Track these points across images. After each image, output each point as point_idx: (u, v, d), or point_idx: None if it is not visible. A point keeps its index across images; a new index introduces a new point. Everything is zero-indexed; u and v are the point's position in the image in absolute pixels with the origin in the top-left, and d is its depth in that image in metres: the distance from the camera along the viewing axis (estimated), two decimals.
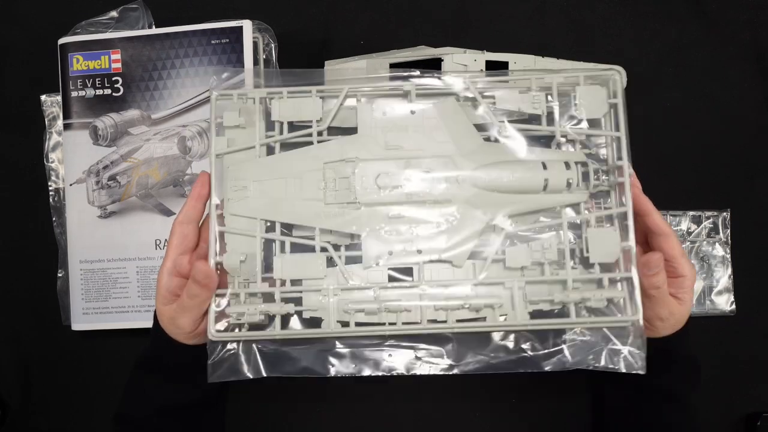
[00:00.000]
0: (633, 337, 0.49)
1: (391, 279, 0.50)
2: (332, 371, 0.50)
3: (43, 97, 0.70)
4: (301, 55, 0.69)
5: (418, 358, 0.50)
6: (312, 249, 0.50)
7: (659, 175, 0.69)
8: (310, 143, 0.52)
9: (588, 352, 0.49)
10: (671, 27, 0.70)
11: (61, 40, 0.66)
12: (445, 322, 0.49)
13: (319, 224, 0.50)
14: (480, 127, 0.52)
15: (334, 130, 0.53)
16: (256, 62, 0.65)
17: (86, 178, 0.65)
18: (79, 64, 0.66)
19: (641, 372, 0.49)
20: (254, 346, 0.50)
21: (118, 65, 0.66)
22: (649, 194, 0.67)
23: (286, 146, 0.52)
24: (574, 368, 0.49)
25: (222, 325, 0.50)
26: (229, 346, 0.50)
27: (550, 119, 0.52)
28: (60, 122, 0.68)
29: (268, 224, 0.51)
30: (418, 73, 0.52)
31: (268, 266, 0.50)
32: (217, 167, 0.51)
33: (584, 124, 0.52)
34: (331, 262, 0.50)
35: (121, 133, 0.66)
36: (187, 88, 0.65)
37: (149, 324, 0.61)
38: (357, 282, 0.50)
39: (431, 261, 0.50)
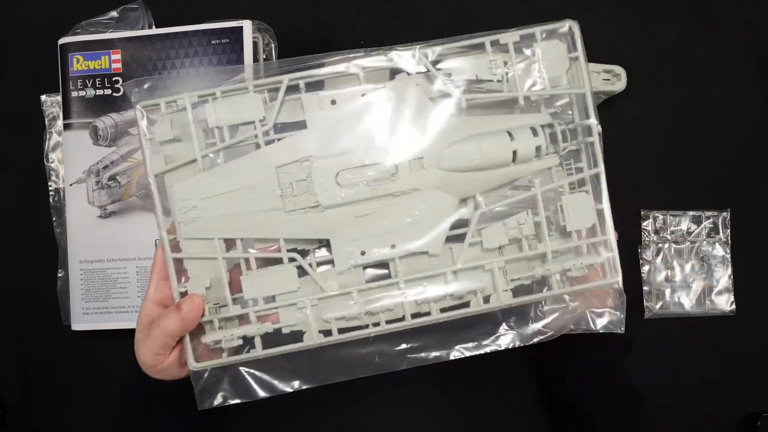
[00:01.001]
0: (612, 299, 0.48)
1: (368, 278, 0.48)
2: (324, 380, 0.48)
3: (43, 97, 0.69)
4: (299, 54, 0.67)
5: (405, 352, 0.49)
6: (279, 261, 0.47)
7: (659, 175, 0.69)
8: (257, 146, 0.47)
9: (569, 318, 0.49)
10: (671, 27, 0.70)
11: (61, 40, 0.66)
12: (428, 314, 0.47)
13: (282, 234, 0.47)
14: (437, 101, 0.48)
15: (282, 127, 0.48)
16: (256, 61, 0.64)
17: (86, 178, 0.65)
18: (79, 64, 0.66)
19: (620, 332, 0.48)
20: (241, 368, 0.48)
21: (119, 65, 0.66)
22: (648, 194, 0.68)
23: (231, 154, 0.47)
24: (559, 334, 0.49)
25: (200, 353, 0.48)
26: (212, 372, 0.48)
27: (511, 85, 0.48)
28: (60, 122, 0.68)
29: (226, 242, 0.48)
30: (362, 53, 0.47)
31: (235, 286, 0.47)
32: (159, 188, 0.47)
33: (546, 84, 0.49)
34: (302, 270, 0.48)
35: (122, 133, 0.65)
36: None
37: None
38: (333, 288, 0.47)
39: (407, 255, 0.48)
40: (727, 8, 0.70)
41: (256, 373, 0.48)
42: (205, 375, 0.47)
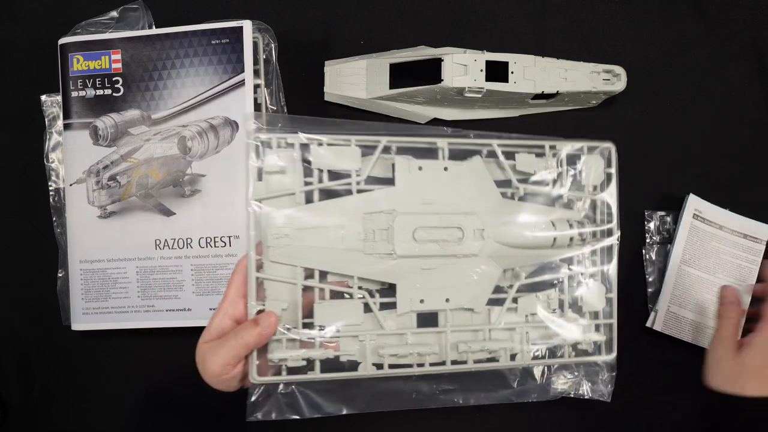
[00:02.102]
0: (606, 372, 0.57)
1: (420, 323, 0.54)
2: (366, 408, 0.52)
3: (43, 97, 0.69)
4: (301, 56, 0.68)
5: (438, 393, 0.55)
6: (349, 296, 0.52)
7: (659, 174, 0.69)
8: (349, 191, 0.52)
9: (571, 383, 0.58)
10: (671, 27, 0.70)
11: (61, 40, 0.66)
12: (465, 362, 0.54)
13: (357, 273, 0.52)
14: (498, 183, 0.56)
15: (371, 180, 0.54)
16: (256, 62, 0.65)
17: (86, 178, 0.65)
18: (79, 64, 0.66)
19: (606, 400, 0.57)
20: (294, 388, 0.51)
21: (119, 65, 0.65)
22: (648, 193, 0.68)
23: (324, 192, 0.52)
24: (559, 397, 0.57)
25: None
26: (266, 388, 0.51)
27: (559, 182, 0.57)
28: (60, 122, 0.67)
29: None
30: (449, 131, 0.55)
31: (307, 312, 0.52)
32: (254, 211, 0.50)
33: (586, 187, 0.57)
34: (366, 307, 0.52)
35: (122, 133, 0.65)
36: (187, 88, 0.65)
37: (149, 324, 0.64)
38: (392, 327, 0.53)
39: (456, 309, 0.54)
40: (727, 8, 0.70)
41: (308, 393, 0.51)
42: (261, 389, 0.50)
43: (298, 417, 0.51)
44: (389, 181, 0.53)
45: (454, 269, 0.54)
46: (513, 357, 0.55)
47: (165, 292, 0.64)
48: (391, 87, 0.64)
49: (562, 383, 0.57)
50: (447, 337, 0.53)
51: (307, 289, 0.51)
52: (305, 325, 0.51)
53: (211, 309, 0.64)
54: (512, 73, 0.63)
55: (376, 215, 0.52)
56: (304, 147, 0.52)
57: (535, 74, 0.63)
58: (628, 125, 0.69)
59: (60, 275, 0.68)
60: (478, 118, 0.68)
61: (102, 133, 0.65)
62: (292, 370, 0.51)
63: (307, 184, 0.52)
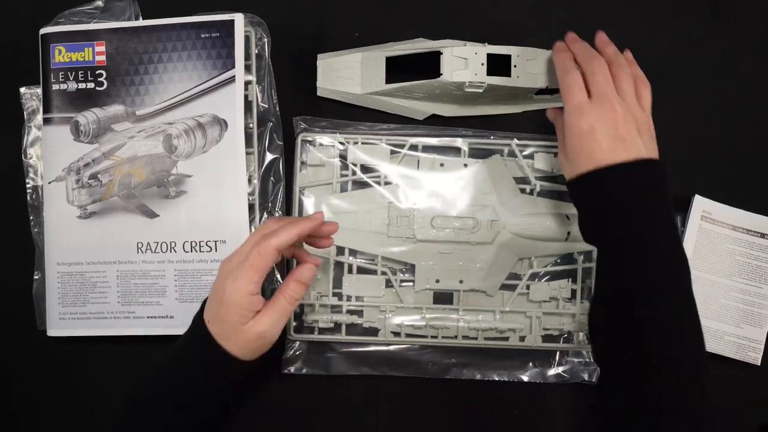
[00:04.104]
0: None
1: (436, 300, 0.63)
2: (387, 372, 0.62)
3: (22, 90, 0.66)
4: (294, 50, 0.66)
5: (452, 366, 0.63)
6: (373, 272, 0.63)
7: (669, 169, 0.66)
8: (378, 183, 0.63)
9: (582, 369, 0.63)
10: (681, 19, 0.68)
11: (43, 30, 0.64)
12: (476, 339, 0.62)
13: (381, 252, 0.63)
14: (518, 179, 0.63)
15: (397, 173, 0.63)
16: (247, 57, 0.62)
17: (66, 176, 0.63)
18: (61, 55, 0.64)
19: None
20: (325, 349, 0.63)
21: (102, 58, 0.63)
22: None
23: (356, 184, 0.63)
24: (572, 381, 0.63)
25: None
26: (297, 345, 0.63)
27: None
28: (40, 116, 0.65)
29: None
30: (471, 132, 0.64)
31: (336, 282, 0.63)
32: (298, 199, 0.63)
33: None
34: (388, 283, 0.63)
35: (104, 129, 0.63)
36: (174, 83, 0.62)
37: (129, 331, 0.62)
38: (409, 302, 0.62)
39: (469, 291, 0.62)
40: (739, 0, 0.68)
41: (334, 354, 0.63)
42: (296, 344, 0.63)
43: (324, 373, 0.62)
44: (414, 176, 0.63)
45: (467, 255, 0.62)
46: (523, 339, 0.62)
47: (146, 298, 0.62)
48: (388, 81, 0.61)
49: (575, 368, 0.63)
50: (459, 314, 0.62)
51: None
52: (334, 294, 0.62)
53: None
54: (515, 66, 0.59)
55: (400, 204, 0.62)
56: (341, 145, 0.63)
57: (539, 68, 0.60)
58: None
59: (36, 277, 0.65)
60: (478, 115, 0.65)
61: (83, 129, 0.63)
62: (322, 332, 0.62)
63: (342, 176, 0.63)
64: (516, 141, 0.63)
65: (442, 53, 0.59)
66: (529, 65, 0.59)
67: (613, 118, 0.49)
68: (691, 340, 0.47)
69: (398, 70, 0.61)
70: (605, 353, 0.50)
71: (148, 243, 0.62)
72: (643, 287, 0.47)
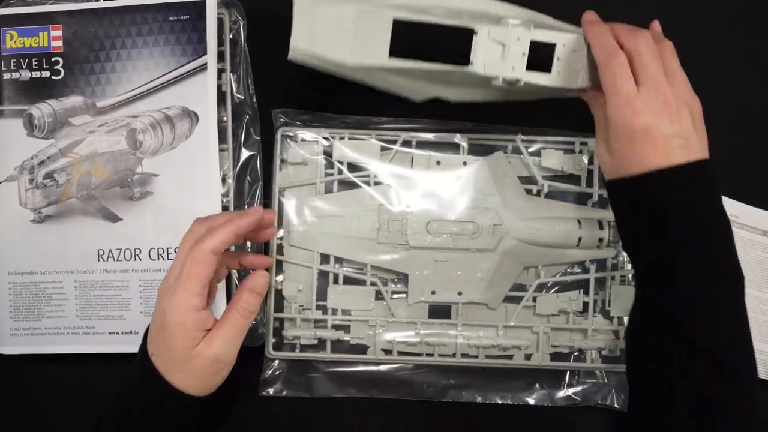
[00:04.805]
0: None
1: (432, 314, 0.58)
2: (376, 394, 0.58)
3: None
4: (273, 34, 0.59)
5: (449, 387, 0.59)
6: (362, 282, 0.58)
7: None
8: (367, 183, 0.58)
9: (596, 391, 0.59)
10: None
11: None
12: (476, 357, 0.58)
13: (370, 261, 0.58)
14: (523, 179, 0.58)
15: (389, 172, 0.59)
16: (220, 42, 0.58)
17: (18, 175, 0.59)
18: (12, 41, 0.60)
19: None
20: (305, 368, 0.58)
21: (59, 43, 0.60)
22: None
23: (343, 184, 0.59)
24: (584, 404, 0.58)
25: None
26: (276, 364, 0.59)
27: (589, 180, 0.59)
28: None
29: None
30: (471, 125, 0.59)
31: (321, 294, 0.58)
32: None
33: None
34: (378, 295, 0.58)
35: (61, 123, 0.60)
36: (139, 72, 0.59)
37: (89, 349, 0.59)
38: (402, 316, 0.58)
39: (469, 303, 0.58)
40: None
41: (318, 374, 0.59)
42: (275, 363, 0.58)
43: (307, 396, 0.58)
44: (407, 175, 0.58)
45: (467, 263, 0.58)
46: (529, 357, 0.58)
47: (108, 312, 0.59)
48: (392, 54, 0.47)
49: (587, 390, 0.59)
50: (458, 329, 0.58)
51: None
52: (318, 307, 0.58)
53: None
54: (558, 60, 0.47)
55: (391, 206, 0.57)
56: (326, 140, 0.59)
57: (581, 62, 0.48)
58: None
59: None
60: (489, 101, 0.54)
61: (38, 123, 0.59)
62: (304, 349, 0.58)
63: (327, 175, 0.59)
64: (521, 136, 0.58)
65: (476, 33, 0.46)
66: (571, 58, 0.48)
67: (669, 112, 0.43)
68: (747, 360, 0.44)
69: (406, 38, 0.47)
70: (646, 370, 0.46)
71: (110, 250, 0.59)
72: (699, 300, 0.43)
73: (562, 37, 0.47)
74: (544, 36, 0.47)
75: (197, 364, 0.44)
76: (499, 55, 0.47)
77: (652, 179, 0.43)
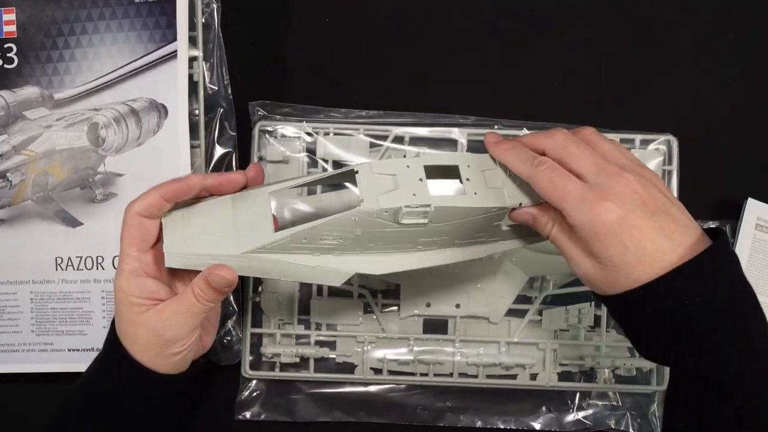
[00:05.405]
0: (656, 404, 0.57)
1: (426, 329, 0.56)
2: (363, 418, 0.56)
3: None
4: (250, 19, 0.60)
5: (446, 411, 0.56)
6: (348, 294, 0.56)
7: (713, 172, 0.60)
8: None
9: (609, 415, 0.57)
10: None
11: None
12: (476, 377, 0.56)
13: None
14: None
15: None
16: (192, 27, 0.56)
17: None
18: None
19: None
20: (290, 391, 0.56)
21: (12, 28, 0.58)
22: (700, 196, 0.58)
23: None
24: (595, 429, 0.56)
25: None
26: (254, 385, 0.56)
27: None
28: None
29: None
30: (471, 120, 0.57)
31: (303, 307, 0.56)
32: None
33: None
34: (367, 308, 0.56)
35: (14, 117, 0.58)
36: (101, 59, 0.56)
37: (46, 368, 0.57)
38: (393, 331, 0.56)
39: (468, 317, 0.56)
40: None
41: (300, 396, 0.56)
42: (253, 384, 0.56)
43: (288, 420, 0.56)
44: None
45: (466, 273, 0.56)
46: (534, 377, 0.56)
47: (67, 327, 0.57)
48: (278, 229, 0.45)
49: (598, 414, 0.57)
50: (455, 346, 0.56)
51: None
52: (300, 321, 0.56)
53: None
54: (468, 180, 0.45)
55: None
56: (309, 136, 0.57)
57: (499, 177, 0.46)
58: (675, 108, 0.59)
59: None
60: (425, 267, 0.49)
61: None
62: (284, 368, 0.56)
63: (310, 175, 0.56)
64: (526, 131, 0.56)
65: (357, 172, 0.44)
66: (487, 177, 0.46)
67: (632, 189, 0.38)
68: None
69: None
70: None
71: (69, 258, 0.57)
72: (741, 389, 0.38)
73: (461, 158, 0.45)
74: (437, 159, 0.45)
75: (143, 332, 0.45)
76: (392, 185, 0.44)
77: (669, 282, 0.37)
